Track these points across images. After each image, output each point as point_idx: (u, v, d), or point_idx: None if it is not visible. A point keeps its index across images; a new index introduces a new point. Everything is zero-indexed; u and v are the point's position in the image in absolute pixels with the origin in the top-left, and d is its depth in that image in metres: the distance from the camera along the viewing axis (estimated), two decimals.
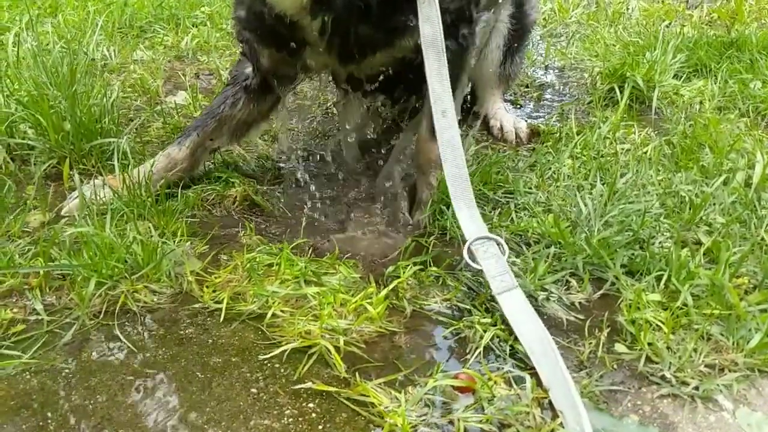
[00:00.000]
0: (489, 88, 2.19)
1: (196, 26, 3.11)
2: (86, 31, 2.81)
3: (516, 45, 2.10)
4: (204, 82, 2.51)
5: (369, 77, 1.60)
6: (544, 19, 3.41)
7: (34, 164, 1.78)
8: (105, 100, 1.90)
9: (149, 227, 1.44)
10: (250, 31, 1.56)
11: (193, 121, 1.80)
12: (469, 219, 1.27)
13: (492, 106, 2.20)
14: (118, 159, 1.67)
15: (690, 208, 1.47)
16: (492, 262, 1.20)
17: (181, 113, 2.18)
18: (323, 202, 1.65)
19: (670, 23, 3.37)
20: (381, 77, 1.58)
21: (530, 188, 1.60)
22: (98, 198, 1.54)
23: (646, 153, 1.78)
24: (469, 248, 1.23)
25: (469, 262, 1.23)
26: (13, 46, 2.62)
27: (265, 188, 1.73)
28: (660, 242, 1.37)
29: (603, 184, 1.60)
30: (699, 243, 1.38)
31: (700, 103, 2.24)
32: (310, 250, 1.43)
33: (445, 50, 1.36)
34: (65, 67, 1.93)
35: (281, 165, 1.87)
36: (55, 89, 1.85)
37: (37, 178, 1.68)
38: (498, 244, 1.23)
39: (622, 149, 1.86)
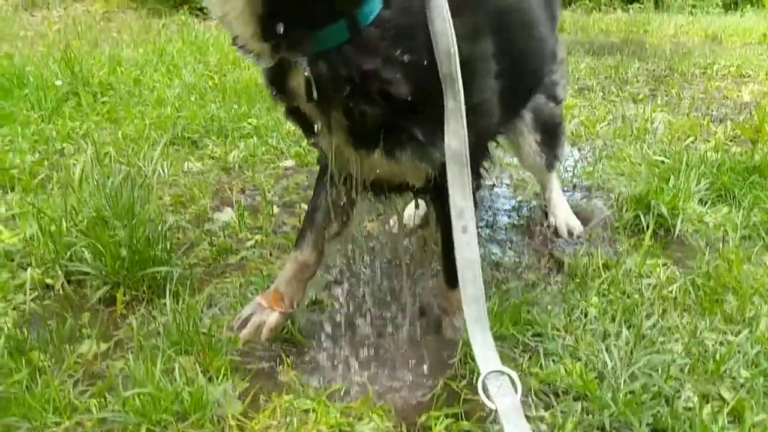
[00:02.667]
0: (537, 176, 2.45)
1: (243, 138, 3.33)
2: (143, 145, 3.05)
3: (551, 132, 2.21)
4: (249, 199, 2.67)
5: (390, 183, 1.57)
6: (572, 133, 3.54)
7: (90, 287, 1.92)
8: (160, 226, 2.05)
9: (194, 364, 1.54)
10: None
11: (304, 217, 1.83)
12: (482, 345, 1.28)
13: (547, 194, 2.48)
14: (170, 291, 1.79)
15: (714, 359, 1.51)
16: (507, 401, 1.16)
17: (228, 232, 2.32)
18: (357, 336, 1.73)
19: (695, 139, 3.48)
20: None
21: (558, 330, 1.66)
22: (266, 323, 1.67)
23: (671, 292, 1.84)
24: (483, 382, 1.21)
25: (484, 399, 1.20)
26: (75, 161, 2.86)
27: (302, 318, 1.82)
28: (685, 397, 1.41)
29: (629, 328, 1.65)
30: (723, 399, 1.41)
31: (724, 231, 2.31)
32: (344, 392, 1.50)
33: (469, 164, 1.35)
34: (125, 195, 2.10)
35: (319, 290, 1.97)
36: (114, 218, 2.02)
37: (98, 303, 1.82)
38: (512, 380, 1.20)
39: (648, 285, 1.92)
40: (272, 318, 1.69)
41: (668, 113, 4.08)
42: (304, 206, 2.56)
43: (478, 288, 1.29)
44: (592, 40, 7.96)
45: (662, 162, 2.92)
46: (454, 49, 1.23)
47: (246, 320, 1.70)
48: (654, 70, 5.79)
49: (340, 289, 1.96)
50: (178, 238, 2.24)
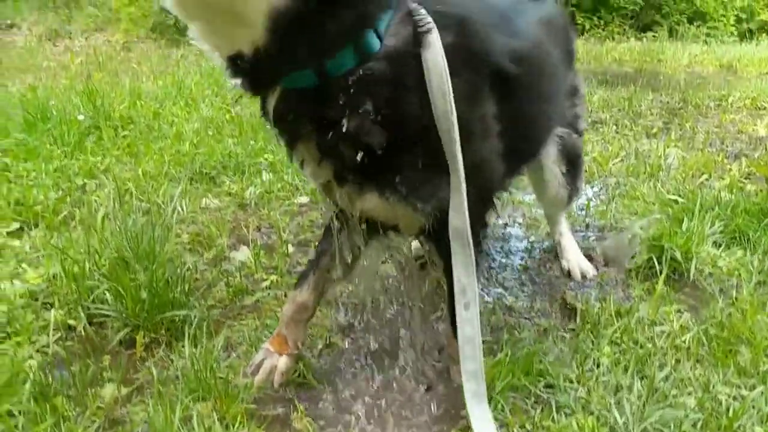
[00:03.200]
0: (553, 211, 2.46)
1: (259, 174, 3.39)
2: (162, 182, 3.12)
3: (574, 164, 2.23)
4: (265, 237, 2.72)
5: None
6: (585, 170, 3.55)
7: (111, 328, 1.96)
8: (179, 269, 2.10)
9: (212, 411, 1.57)
10: None
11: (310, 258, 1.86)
12: (480, 419, 1.32)
13: (556, 237, 2.50)
14: (188, 336, 1.83)
15: (728, 415, 1.51)
16: None
17: (244, 273, 2.36)
18: (368, 382, 1.75)
19: (709, 176, 3.49)
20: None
21: (571, 381, 1.67)
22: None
23: (684, 342, 1.84)
24: None
25: None
26: (96, 198, 2.94)
27: (317, 361, 1.84)
28: None
29: (641, 380, 1.66)
30: None
31: (738, 276, 2.31)
32: None
33: (472, 243, 1.37)
34: (145, 236, 2.15)
35: (331, 334, 2.00)
36: (135, 260, 2.07)
37: (118, 345, 1.86)
38: None
39: (661, 333, 1.92)
40: (282, 362, 1.73)
41: (682, 149, 4.09)
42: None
43: (478, 363, 1.32)
44: (605, 69, 8.00)
45: (676, 201, 2.93)
46: (455, 128, 1.27)
47: (258, 366, 1.74)
48: (668, 102, 5.80)
49: (353, 332, 1.99)
50: (196, 279, 2.28)
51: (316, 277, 1.75)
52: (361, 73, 1.22)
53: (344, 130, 1.25)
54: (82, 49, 8.55)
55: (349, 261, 1.74)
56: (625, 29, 10.77)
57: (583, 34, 10.51)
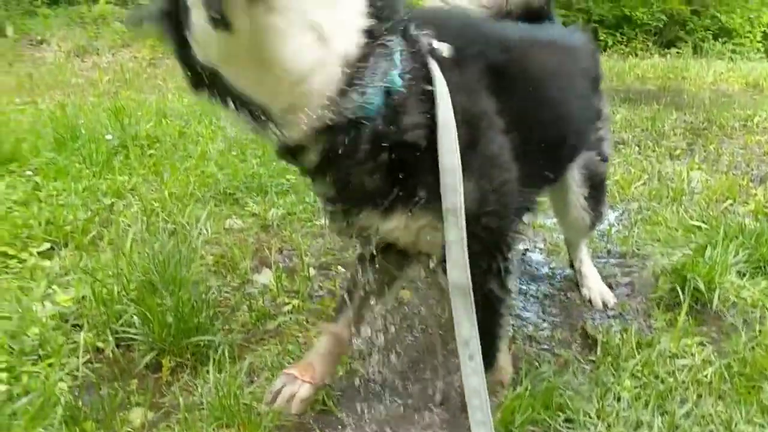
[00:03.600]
0: (575, 237, 2.46)
1: (281, 195, 3.44)
2: (187, 202, 3.18)
3: (597, 189, 2.22)
4: (287, 259, 2.76)
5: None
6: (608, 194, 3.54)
7: (138, 351, 2.01)
8: (204, 294, 2.15)
9: None
10: None
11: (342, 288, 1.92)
12: None
13: (576, 264, 2.49)
14: (213, 361, 1.86)
15: None
16: None
17: (266, 296, 2.40)
18: (389, 411, 1.77)
19: (734, 201, 3.46)
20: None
21: (590, 416, 1.67)
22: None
23: (706, 377, 1.84)
24: None
25: None
26: (123, 218, 3.01)
27: (338, 392, 1.87)
28: None
29: (662, 415, 1.66)
30: None
31: (763, 308, 2.29)
32: None
33: (472, 295, 1.33)
34: (171, 261, 2.21)
35: (352, 360, 2.02)
36: (161, 283, 2.12)
37: (145, 369, 1.91)
38: None
39: (683, 366, 1.91)
40: (303, 390, 1.75)
41: (706, 171, 4.06)
42: (340, 269, 2.65)
43: (486, 414, 1.31)
44: (628, 87, 7.97)
45: (699, 228, 2.92)
46: (461, 186, 1.29)
47: (278, 392, 1.76)
48: (692, 121, 5.76)
49: (373, 358, 2.01)
50: (220, 302, 2.32)
51: (350, 312, 1.80)
52: (389, 109, 1.27)
53: (376, 163, 1.30)
54: (109, 65, 8.77)
55: (378, 292, 1.78)
56: (648, 45, 10.72)
57: (605, 50, 10.48)
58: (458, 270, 1.32)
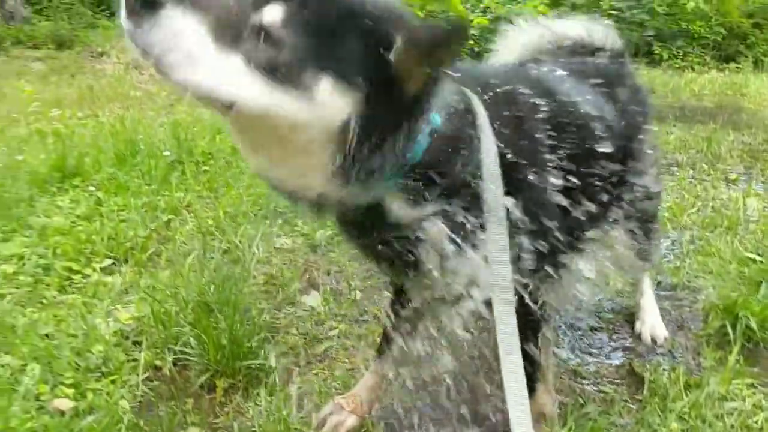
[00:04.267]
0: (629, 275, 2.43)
1: None
2: (240, 221, 3.29)
3: (646, 229, 2.20)
4: (334, 281, 2.82)
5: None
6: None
7: (193, 371, 2.10)
8: (256, 317, 2.23)
9: None
10: None
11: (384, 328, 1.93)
12: None
13: (637, 297, 2.47)
14: (264, 384, 1.94)
15: None
16: None
17: (314, 319, 2.47)
18: None
19: None
20: None
21: None
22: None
23: (756, 423, 1.80)
24: None
25: None
26: (180, 235, 3.13)
27: (381, 423, 1.91)
28: None
29: None
30: None
31: None
32: None
33: (514, 303, 1.33)
34: (227, 285, 2.30)
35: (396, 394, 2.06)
36: (216, 305, 2.21)
37: (200, 389, 2.00)
38: None
39: (732, 410, 1.88)
40: (350, 421, 1.82)
41: (764, 199, 3.94)
42: (386, 294, 2.69)
43: (526, 414, 1.27)
44: (683, 104, 7.76)
45: (753, 261, 2.85)
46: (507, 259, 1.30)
47: (324, 420, 1.83)
48: (750, 143, 5.58)
49: (416, 390, 2.04)
50: (271, 323, 2.40)
51: (392, 351, 1.84)
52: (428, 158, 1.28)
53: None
54: None
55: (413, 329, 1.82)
56: (705, 60, 10.42)
57: (660, 64, 10.24)
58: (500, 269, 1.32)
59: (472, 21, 9.38)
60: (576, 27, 2.12)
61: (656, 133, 6.00)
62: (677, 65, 10.22)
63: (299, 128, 1.12)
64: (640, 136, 2.11)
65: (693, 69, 10.05)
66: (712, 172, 4.58)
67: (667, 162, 4.85)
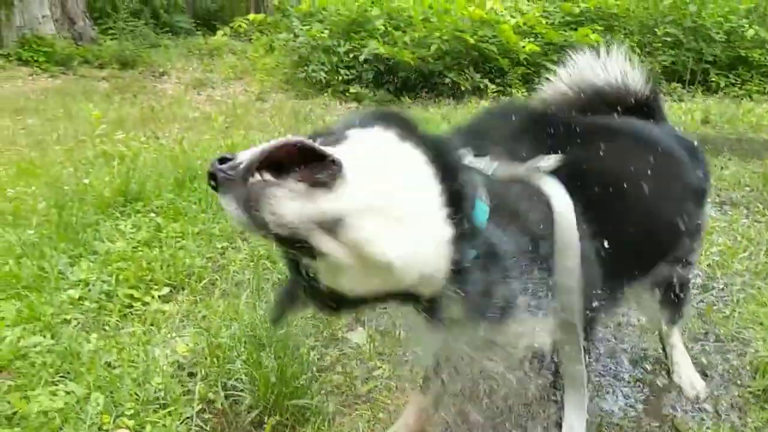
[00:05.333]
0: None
1: None
2: None
3: (676, 292, 2.21)
4: (379, 318, 2.89)
5: None
6: (709, 265, 3.43)
7: (243, 405, 2.20)
8: (305, 357, 2.32)
9: None
10: None
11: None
12: None
13: (667, 348, 2.46)
14: (312, 424, 2.03)
15: None
16: None
17: (359, 357, 2.54)
18: None
19: None
20: None
21: None
22: None
23: None
24: None
25: None
26: (233, 263, 3.26)
27: None
28: None
29: None
30: None
31: None
32: None
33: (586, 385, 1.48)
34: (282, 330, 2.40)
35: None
36: (267, 343, 2.32)
37: (249, 425, 2.10)
38: None
39: None
40: None
41: None
42: None
43: None
44: (739, 135, 7.56)
45: None
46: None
47: None
48: None
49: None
50: (317, 362, 2.49)
51: (436, 386, 1.92)
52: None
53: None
54: (222, 98, 9.41)
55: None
56: (765, 88, 10.12)
57: (716, 92, 10.01)
58: (573, 363, 1.44)
59: (523, 47, 9.41)
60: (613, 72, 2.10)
61: (710, 163, 5.87)
62: (735, 93, 9.96)
63: None
64: (699, 209, 2.10)
65: (751, 98, 9.77)
66: (767, 213, 4.47)
67: (720, 200, 4.76)
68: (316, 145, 1.13)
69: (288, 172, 1.11)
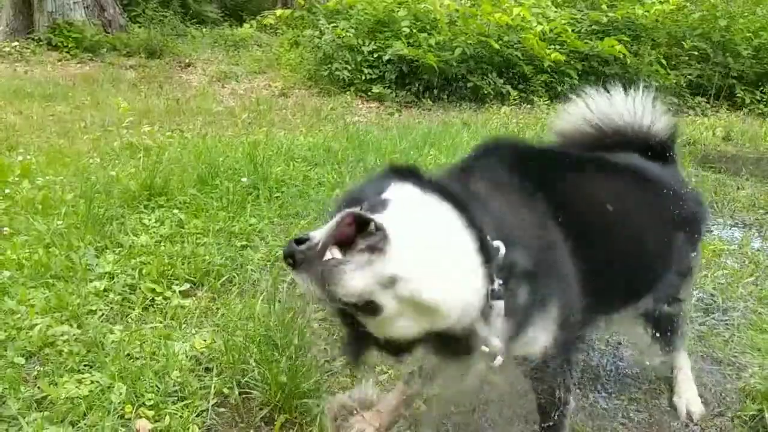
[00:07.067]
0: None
1: None
2: None
3: (664, 328, 2.34)
4: None
5: None
6: (714, 288, 3.49)
7: (255, 401, 2.33)
8: (315, 359, 2.45)
9: None
10: None
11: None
12: None
13: (674, 371, 2.53)
14: (318, 422, 2.15)
15: None
16: None
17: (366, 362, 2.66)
18: None
19: None
20: None
21: None
22: None
23: None
24: None
25: None
26: (251, 261, 3.40)
27: None
28: None
29: None
30: None
31: None
32: None
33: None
34: (292, 327, 2.53)
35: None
36: (281, 347, 2.45)
37: (260, 421, 2.23)
38: None
39: None
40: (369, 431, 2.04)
41: None
42: None
43: None
44: (760, 154, 7.53)
45: None
46: None
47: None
48: None
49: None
50: (325, 367, 2.61)
51: (421, 377, 2.03)
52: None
53: None
54: (245, 93, 9.56)
55: None
56: None
57: (741, 108, 9.96)
58: None
59: (549, 54, 9.43)
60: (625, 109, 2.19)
61: (727, 184, 5.85)
62: (760, 110, 9.90)
63: None
64: (694, 251, 2.20)
65: None
66: None
67: (733, 221, 4.80)
68: (368, 214, 1.31)
69: (349, 244, 1.28)
